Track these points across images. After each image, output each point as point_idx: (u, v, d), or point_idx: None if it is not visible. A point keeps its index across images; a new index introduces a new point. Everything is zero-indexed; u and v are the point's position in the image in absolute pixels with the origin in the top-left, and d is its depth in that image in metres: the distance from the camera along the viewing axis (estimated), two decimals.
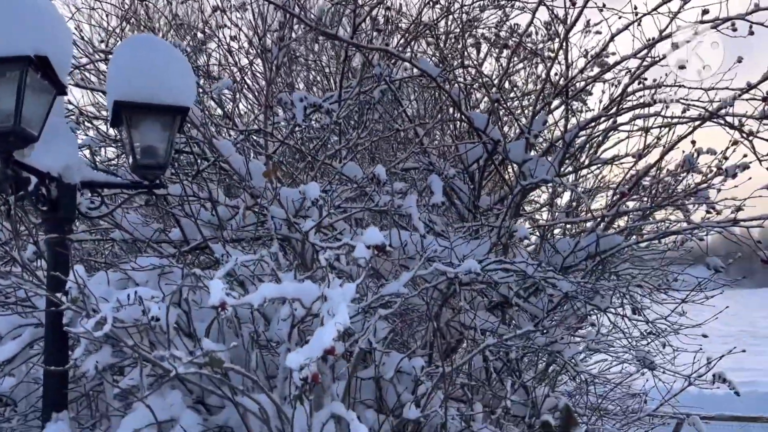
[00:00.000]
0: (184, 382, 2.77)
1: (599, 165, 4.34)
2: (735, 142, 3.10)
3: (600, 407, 4.20)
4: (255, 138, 3.67)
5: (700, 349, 4.40)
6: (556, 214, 4.33)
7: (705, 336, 4.18)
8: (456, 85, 3.75)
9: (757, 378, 19.12)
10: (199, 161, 3.74)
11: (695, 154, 4.03)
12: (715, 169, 3.79)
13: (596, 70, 4.14)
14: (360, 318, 2.85)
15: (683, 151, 4.04)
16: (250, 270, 2.72)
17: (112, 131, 4.03)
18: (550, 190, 4.66)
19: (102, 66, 4.03)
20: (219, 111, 4.07)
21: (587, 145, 4.19)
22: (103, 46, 4.00)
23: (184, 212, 3.43)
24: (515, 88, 4.62)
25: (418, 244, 3.08)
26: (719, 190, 3.74)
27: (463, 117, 3.79)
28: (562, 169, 4.10)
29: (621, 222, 4.33)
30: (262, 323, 3.03)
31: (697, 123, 3.47)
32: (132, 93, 2.67)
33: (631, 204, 4.14)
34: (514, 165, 4.14)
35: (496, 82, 4.05)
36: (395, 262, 3.25)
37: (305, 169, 3.53)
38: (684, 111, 3.73)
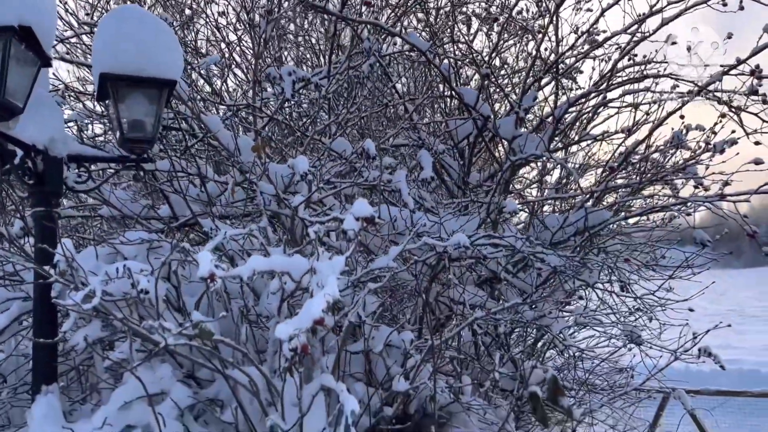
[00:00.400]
0: (174, 356, 2.78)
1: (589, 141, 4.35)
2: (723, 116, 3.11)
3: (587, 382, 4.25)
4: (244, 114, 3.64)
5: (687, 323, 4.45)
6: (546, 191, 4.35)
7: (691, 310, 4.22)
8: (446, 60, 3.73)
9: (742, 356, 19.44)
10: (187, 137, 3.72)
11: (684, 130, 4.05)
12: (703, 145, 3.81)
13: (586, 46, 4.14)
14: (350, 292, 2.87)
15: (672, 128, 4.06)
16: (239, 245, 2.71)
17: (99, 107, 4.00)
18: (540, 166, 4.67)
19: (87, 40, 3.98)
20: (207, 87, 4.03)
21: (577, 122, 4.19)
22: (88, 18, 3.94)
23: (173, 188, 3.42)
24: (506, 65, 4.61)
25: (408, 219, 3.09)
26: (707, 167, 3.77)
27: (453, 92, 3.78)
28: (552, 146, 4.11)
29: (610, 198, 4.36)
30: (252, 298, 3.04)
31: (686, 98, 3.48)
32: (118, 66, 2.64)
33: (620, 180, 4.17)
34: (504, 141, 4.14)
35: (486, 57, 4.03)
36: (385, 237, 3.26)
37: (294, 145, 3.52)
38: (674, 87, 3.74)
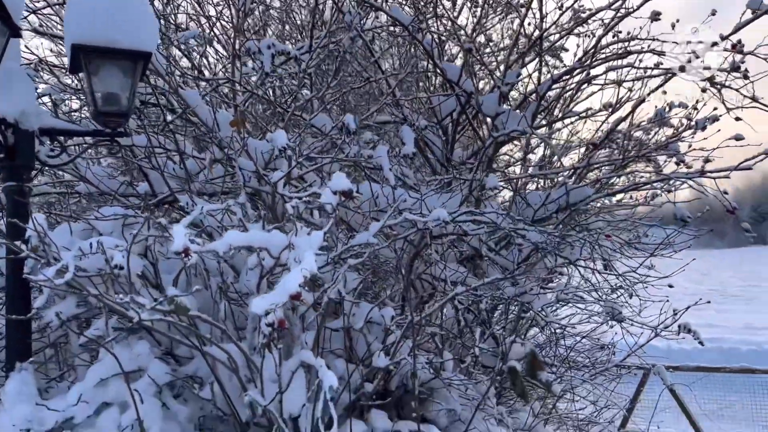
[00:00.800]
0: (153, 333, 2.75)
1: (573, 119, 4.33)
2: (703, 91, 3.10)
3: (568, 358, 4.29)
4: (224, 89, 3.58)
5: (667, 300, 4.49)
6: (529, 169, 4.33)
7: (671, 286, 4.25)
8: (429, 35, 3.68)
9: (723, 335, 19.79)
10: (166, 112, 3.65)
11: (667, 108, 4.05)
12: (685, 122, 3.81)
13: (571, 23, 4.10)
14: (330, 269, 2.85)
15: (656, 106, 4.06)
16: (217, 220, 2.68)
17: (75, 81, 3.91)
18: (524, 144, 4.66)
19: (62, 11, 3.88)
20: (187, 62, 3.95)
21: (561, 99, 4.17)
22: None
23: (152, 165, 3.36)
24: (490, 42, 4.56)
25: (390, 196, 3.06)
26: (690, 145, 3.77)
27: (436, 68, 3.74)
28: (536, 123, 4.09)
29: (593, 175, 4.36)
30: (231, 275, 3.01)
31: (668, 75, 3.46)
32: (90, 37, 2.58)
33: (603, 158, 4.16)
34: (488, 118, 4.11)
35: (470, 32, 3.98)
36: (366, 214, 3.23)
37: (275, 121, 3.47)
38: (657, 64, 3.72)
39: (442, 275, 3.41)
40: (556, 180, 4.06)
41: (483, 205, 3.47)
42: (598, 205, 5.05)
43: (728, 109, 3.05)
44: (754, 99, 3.38)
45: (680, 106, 4.03)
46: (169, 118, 3.61)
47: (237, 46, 3.35)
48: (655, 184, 3.58)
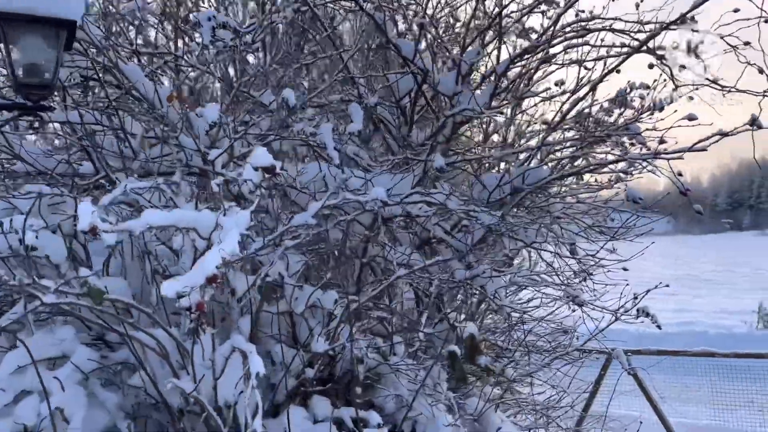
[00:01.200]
0: (84, 319, 2.63)
1: (534, 100, 4.24)
2: (651, 66, 3.02)
3: (526, 342, 4.23)
4: (168, 64, 3.43)
5: (627, 284, 4.45)
6: (490, 150, 4.24)
7: (626, 270, 4.22)
8: (381, 8, 3.55)
9: (696, 318, 20.06)
10: (107, 88, 3.49)
11: (628, 89, 3.97)
12: (645, 103, 3.74)
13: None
14: (271, 251, 2.74)
15: (620, 87, 3.98)
16: (146, 199, 2.55)
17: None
18: (485, 126, 4.57)
19: None
20: (131, 36, 3.77)
21: (520, 79, 4.07)
22: None
23: (91, 144, 3.20)
24: (451, 16, 4.43)
25: (338, 176, 2.96)
26: (655, 127, 3.70)
27: (389, 44, 3.61)
28: (495, 103, 3.99)
29: (555, 158, 4.27)
30: (168, 258, 2.90)
31: (625, 55, 3.38)
32: (10, 3, 2.43)
33: (560, 139, 4.08)
34: (447, 98, 4.00)
35: (425, 6, 3.85)
36: (313, 195, 3.12)
37: (222, 97, 3.33)
38: (622, 45, 3.64)
39: (394, 258, 3.32)
40: (512, 163, 3.97)
41: (436, 187, 3.38)
42: (562, 189, 4.99)
43: (676, 86, 2.98)
44: (714, 81, 3.32)
45: (641, 87, 3.96)
46: (115, 96, 3.45)
47: (177, 19, 3.20)
48: (617, 167, 3.50)
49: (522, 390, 4.74)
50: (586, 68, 3.64)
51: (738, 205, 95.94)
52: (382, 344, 3.08)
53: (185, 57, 3.29)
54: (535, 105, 4.85)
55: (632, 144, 3.78)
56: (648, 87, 3.90)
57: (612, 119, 3.98)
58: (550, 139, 3.94)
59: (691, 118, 2.97)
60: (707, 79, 2.95)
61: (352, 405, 2.89)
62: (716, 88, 2.94)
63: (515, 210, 3.69)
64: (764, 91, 2.72)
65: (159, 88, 3.26)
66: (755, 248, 55.77)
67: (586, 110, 4.05)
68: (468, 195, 3.84)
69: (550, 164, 4.25)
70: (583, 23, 3.82)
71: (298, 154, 3.95)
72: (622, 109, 3.96)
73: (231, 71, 3.47)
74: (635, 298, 4.58)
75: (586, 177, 4.79)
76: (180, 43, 3.30)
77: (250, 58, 3.80)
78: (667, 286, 4.25)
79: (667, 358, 7.37)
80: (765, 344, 11.23)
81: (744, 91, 2.93)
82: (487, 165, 4.07)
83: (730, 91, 2.97)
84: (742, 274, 33.68)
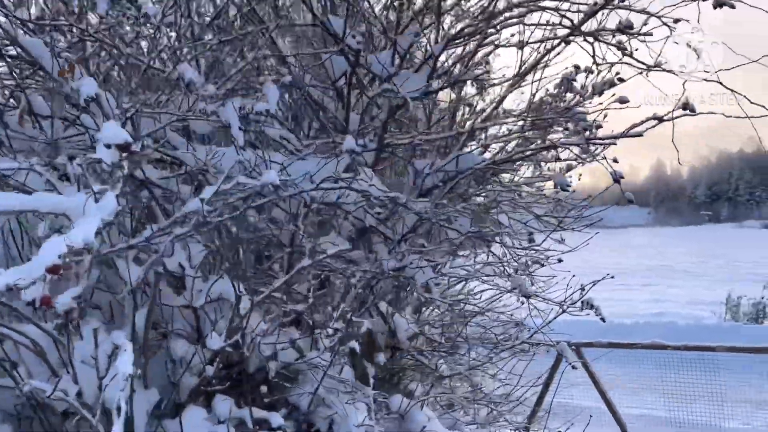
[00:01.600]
0: None
1: (472, 83, 4.05)
2: (567, 43, 2.85)
3: (467, 336, 4.08)
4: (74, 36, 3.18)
5: (573, 276, 4.32)
6: (420, 135, 4.04)
7: (560, 261, 4.08)
8: None
9: (669, 309, 20.18)
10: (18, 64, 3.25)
11: (573, 72, 3.81)
12: (588, 88, 3.58)
13: None
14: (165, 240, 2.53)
15: (563, 71, 3.82)
16: (19, 182, 2.33)
17: None
18: (428, 111, 4.37)
19: None
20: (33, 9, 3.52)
21: (460, 61, 3.88)
22: None
23: None
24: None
25: (245, 159, 2.76)
26: (606, 115, 3.54)
27: (315, 20, 3.41)
28: (432, 87, 3.80)
29: (496, 145, 4.11)
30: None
31: (560, 39, 3.21)
32: None
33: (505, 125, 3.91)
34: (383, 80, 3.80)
35: None
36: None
37: (128, 77, 3.10)
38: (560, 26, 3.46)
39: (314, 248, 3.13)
40: (446, 149, 3.79)
41: (358, 173, 3.18)
42: (515, 178, 4.84)
43: (596, 64, 2.82)
44: (657, 66, 3.16)
45: (586, 71, 3.80)
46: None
47: None
48: (542, 151, 3.34)
49: (464, 385, 4.59)
50: (520, 49, 3.45)
51: (717, 197, 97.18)
52: (297, 338, 2.89)
53: (88, 29, 3.05)
54: (482, 92, 4.67)
55: (579, 131, 3.64)
56: (591, 71, 3.74)
57: (556, 104, 3.81)
58: (491, 125, 3.77)
59: (622, 101, 2.81)
60: (625, 55, 2.78)
61: (258, 404, 2.71)
62: (637, 68, 2.78)
63: (449, 198, 3.52)
64: (678, 70, 2.57)
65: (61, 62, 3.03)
66: (732, 240, 56.50)
67: (530, 95, 3.89)
68: (402, 182, 3.66)
69: (491, 151, 4.09)
70: (523, 4, 3.63)
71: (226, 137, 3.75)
72: (567, 94, 3.80)
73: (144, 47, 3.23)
74: (582, 289, 4.47)
75: (536, 166, 4.64)
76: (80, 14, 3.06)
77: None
78: (612, 277, 4.12)
79: (635, 351, 7.32)
80: (729, 335, 11.26)
81: (667, 71, 2.76)
82: (422, 151, 3.88)
83: (650, 70, 2.80)
84: (718, 266, 34.04)
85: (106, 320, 2.68)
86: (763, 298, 14.15)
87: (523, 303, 4.63)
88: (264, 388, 2.63)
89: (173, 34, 3.16)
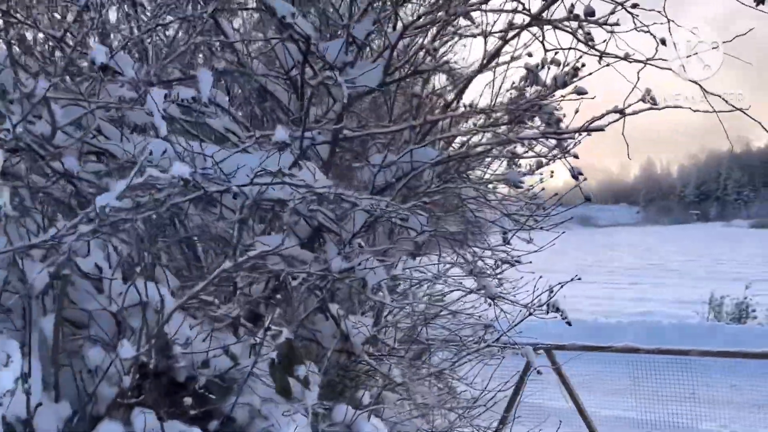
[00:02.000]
0: None
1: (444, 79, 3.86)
2: (519, 29, 2.65)
3: (428, 339, 3.89)
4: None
5: (540, 277, 4.15)
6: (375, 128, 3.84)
7: (519, 262, 3.91)
8: None
9: (654, 308, 20.08)
10: None
11: (539, 65, 3.62)
12: (552, 81, 3.39)
13: None
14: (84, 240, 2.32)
15: (527, 63, 3.63)
16: None
17: None
18: (388, 103, 4.17)
19: None
20: None
21: (421, 51, 3.68)
22: None
23: None
24: None
25: (167, 150, 2.54)
26: (579, 110, 3.35)
27: (262, 4, 3.20)
28: (390, 78, 3.60)
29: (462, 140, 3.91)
30: None
31: (518, 27, 3.01)
32: None
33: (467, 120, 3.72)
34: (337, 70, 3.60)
35: None
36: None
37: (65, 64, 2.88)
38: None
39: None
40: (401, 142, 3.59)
41: (300, 167, 2.98)
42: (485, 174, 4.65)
43: (546, 50, 2.63)
44: (627, 57, 2.97)
45: (553, 63, 3.61)
46: None
47: None
48: (499, 146, 3.14)
49: (430, 390, 4.40)
50: (499, 38, 3.25)
51: (706, 196, 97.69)
52: (230, 344, 2.68)
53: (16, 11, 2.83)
54: (454, 82, 4.47)
55: (547, 125, 3.46)
56: (559, 63, 3.56)
57: (520, 97, 3.62)
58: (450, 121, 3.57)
59: (580, 92, 2.62)
60: (581, 42, 2.59)
61: (185, 416, 2.51)
62: (593, 55, 2.60)
63: (404, 195, 3.32)
64: (626, 55, 2.38)
65: None
66: (720, 239, 56.81)
67: (494, 89, 3.69)
68: (355, 178, 3.47)
69: (454, 146, 3.90)
70: None
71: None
72: (530, 87, 3.61)
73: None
74: (550, 290, 4.30)
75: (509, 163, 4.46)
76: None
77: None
78: (579, 279, 3.94)
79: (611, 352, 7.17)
80: (711, 335, 11.16)
81: (623, 58, 2.57)
82: (382, 146, 3.67)
83: (602, 56, 2.62)
84: (704, 265, 34.14)
85: (17, 327, 2.46)
86: (746, 298, 14.08)
87: (490, 305, 4.45)
88: (189, 400, 2.42)
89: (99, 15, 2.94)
